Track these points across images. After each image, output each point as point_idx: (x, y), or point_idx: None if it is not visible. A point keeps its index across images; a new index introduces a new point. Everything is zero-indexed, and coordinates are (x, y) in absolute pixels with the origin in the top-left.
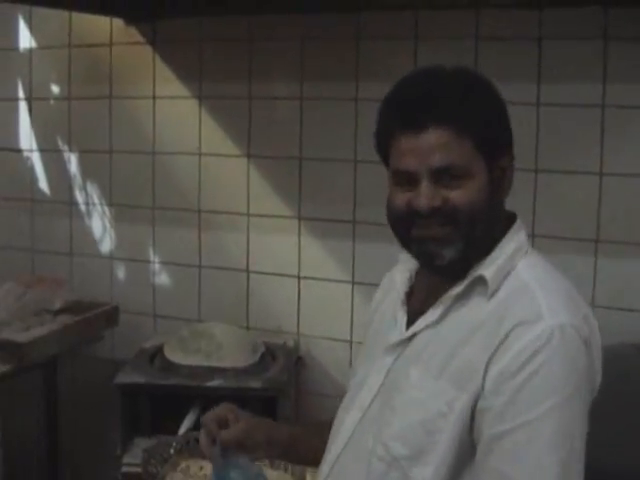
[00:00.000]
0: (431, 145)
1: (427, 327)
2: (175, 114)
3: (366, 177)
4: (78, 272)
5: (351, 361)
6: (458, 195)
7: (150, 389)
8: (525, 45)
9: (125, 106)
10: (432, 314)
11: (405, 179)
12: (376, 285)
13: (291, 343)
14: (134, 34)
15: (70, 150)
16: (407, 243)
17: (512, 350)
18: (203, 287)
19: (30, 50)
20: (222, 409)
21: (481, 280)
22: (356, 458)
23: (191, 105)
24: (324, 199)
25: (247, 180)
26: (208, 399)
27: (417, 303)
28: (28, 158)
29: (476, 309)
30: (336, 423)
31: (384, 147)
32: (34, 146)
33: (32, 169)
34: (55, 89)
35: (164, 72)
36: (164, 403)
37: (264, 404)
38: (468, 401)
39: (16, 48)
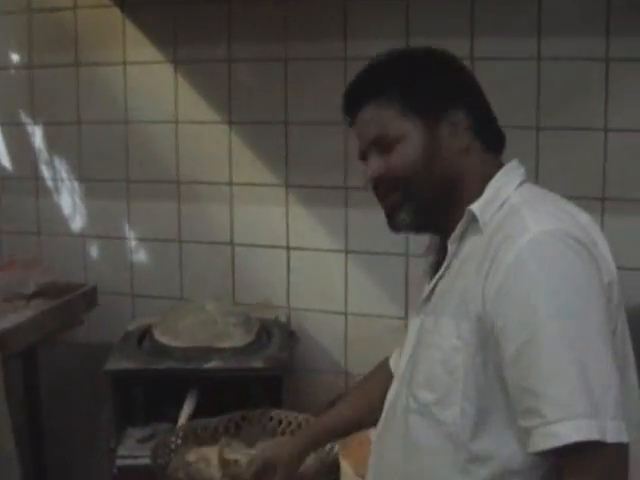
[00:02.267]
0: (362, 122)
1: (440, 279)
2: (148, 80)
3: (356, 140)
4: (48, 252)
5: (347, 334)
6: (392, 159)
7: (143, 375)
8: None
9: (93, 73)
10: (442, 266)
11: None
12: (371, 253)
13: (283, 318)
14: None
15: (34, 123)
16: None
17: (503, 265)
18: (185, 263)
19: None
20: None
21: (473, 217)
22: (395, 421)
23: (166, 70)
24: (313, 165)
25: (229, 148)
26: (206, 382)
27: (437, 266)
28: None
29: (473, 244)
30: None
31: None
32: None
33: None
34: (15, 57)
35: (135, 36)
36: (158, 389)
37: (267, 384)
38: (473, 327)
39: None
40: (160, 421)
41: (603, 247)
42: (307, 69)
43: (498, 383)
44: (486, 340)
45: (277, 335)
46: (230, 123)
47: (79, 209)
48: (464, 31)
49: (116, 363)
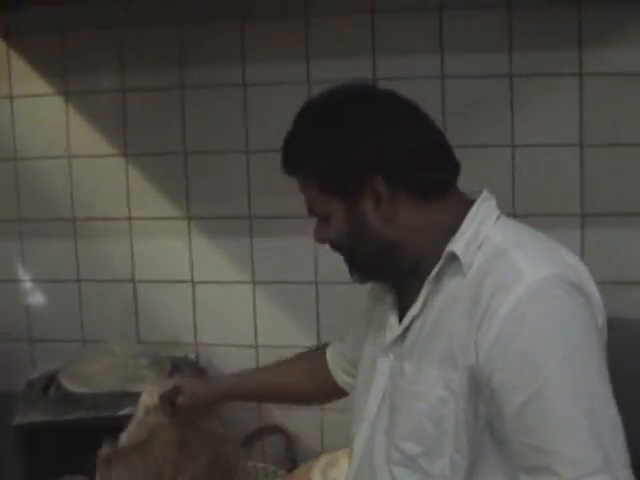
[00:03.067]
0: (300, 187)
1: (414, 319)
2: (38, 114)
3: (259, 167)
4: None
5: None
6: (328, 232)
7: (54, 427)
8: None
9: None
10: (415, 305)
11: None
12: (279, 283)
13: (192, 355)
14: None
15: None
16: None
17: (499, 317)
18: (84, 303)
19: None
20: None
21: (453, 257)
22: (378, 471)
23: (56, 103)
24: (215, 195)
25: (126, 181)
26: (122, 429)
27: (404, 303)
28: None
29: (454, 286)
30: (352, 443)
31: None
32: None
33: None
34: None
35: (21, 68)
36: (71, 439)
37: None
38: (464, 378)
39: None
40: (75, 473)
41: (592, 287)
42: (204, 96)
43: (489, 434)
44: (478, 391)
45: (189, 374)
46: (126, 155)
47: None
48: (367, 52)
49: (24, 416)
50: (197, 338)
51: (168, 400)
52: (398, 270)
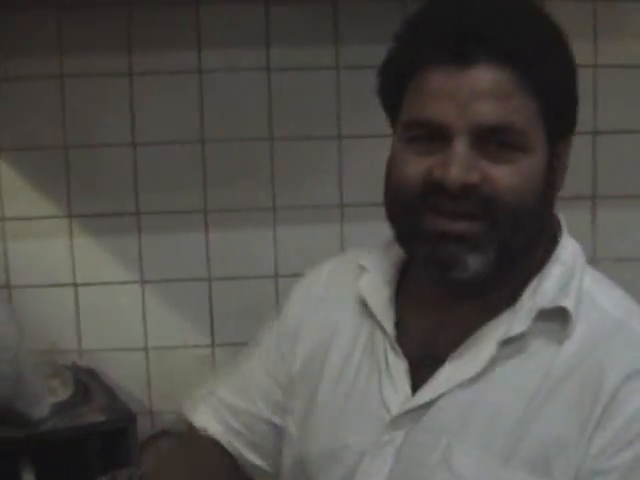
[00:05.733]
0: (479, 88)
1: (460, 386)
2: None
3: (148, 160)
4: None
5: (149, 371)
6: (506, 174)
7: None
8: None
9: None
10: (466, 365)
11: (429, 135)
12: (169, 281)
13: (82, 362)
14: None
15: None
16: (412, 238)
17: (626, 412)
18: None
19: None
20: None
21: (554, 313)
22: None
23: None
24: (98, 191)
25: None
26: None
27: (416, 340)
28: None
29: (544, 356)
30: None
31: (396, 87)
32: None
33: None
34: None
35: None
36: None
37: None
38: None
39: None
40: None
41: None
42: (86, 85)
43: None
44: None
45: (90, 382)
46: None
47: None
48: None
49: None
50: (82, 344)
51: None
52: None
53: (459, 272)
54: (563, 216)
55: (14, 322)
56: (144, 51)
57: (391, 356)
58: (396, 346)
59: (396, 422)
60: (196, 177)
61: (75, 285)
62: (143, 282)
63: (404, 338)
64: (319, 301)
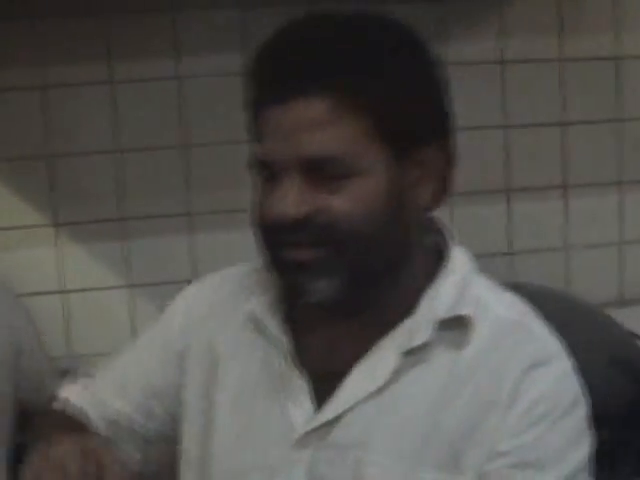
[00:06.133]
0: (299, 122)
1: (364, 400)
2: None
3: (132, 167)
4: None
5: None
6: (341, 201)
7: None
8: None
9: None
10: (369, 379)
11: (271, 174)
12: (158, 284)
13: (72, 367)
14: None
15: None
16: (272, 268)
17: (528, 398)
18: None
19: None
20: None
21: (454, 322)
22: None
23: None
24: (83, 199)
25: None
26: None
27: (315, 357)
28: None
29: (447, 361)
30: None
31: (253, 127)
32: None
33: None
34: None
35: None
36: None
37: None
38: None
39: None
40: None
41: None
42: (69, 95)
43: None
44: None
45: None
46: None
47: None
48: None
49: None
50: (72, 350)
51: None
52: (383, 295)
53: (309, 297)
54: (450, 226)
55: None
56: (124, 59)
57: (291, 374)
58: (296, 363)
59: (303, 441)
60: (179, 181)
61: (63, 292)
62: (131, 286)
63: (303, 356)
64: (204, 320)
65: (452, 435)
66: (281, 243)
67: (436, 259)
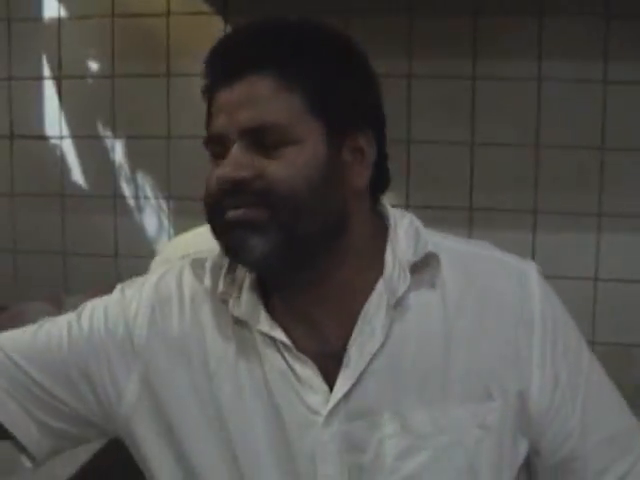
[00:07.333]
0: (241, 98)
1: (371, 362)
2: None
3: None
4: None
5: None
6: (277, 167)
7: None
8: None
9: (186, 85)
10: (369, 341)
11: (218, 147)
12: None
13: None
14: (197, 3)
15: (114, 136)
16: (216, 236)
17: (538, 315)
18: None
19: (59, 20)
20: None
21: (422, 265)
22: None
23: None
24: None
25: None
26: None
27: (305, 341)
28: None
29: (432, 302)
30: None
31: (207, 113)
32: (65, 132)
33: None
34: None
35: None
36: None
37: None
38: (509, 402)
39: (40, 18)
40: None
41: None
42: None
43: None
44: (523, 416)
45: None
46: None
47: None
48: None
49: None
50: None
51: None
52: (328, 258)
53: (247, 254)
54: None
55: None
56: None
57: (294, 363)
58: (299, 353)
59: (329, 420)
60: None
61: None
62: None
63: (297, 344)
64: (171, 328)
65: (473, 365)
66: (223, 208)
67: (382, 227)
